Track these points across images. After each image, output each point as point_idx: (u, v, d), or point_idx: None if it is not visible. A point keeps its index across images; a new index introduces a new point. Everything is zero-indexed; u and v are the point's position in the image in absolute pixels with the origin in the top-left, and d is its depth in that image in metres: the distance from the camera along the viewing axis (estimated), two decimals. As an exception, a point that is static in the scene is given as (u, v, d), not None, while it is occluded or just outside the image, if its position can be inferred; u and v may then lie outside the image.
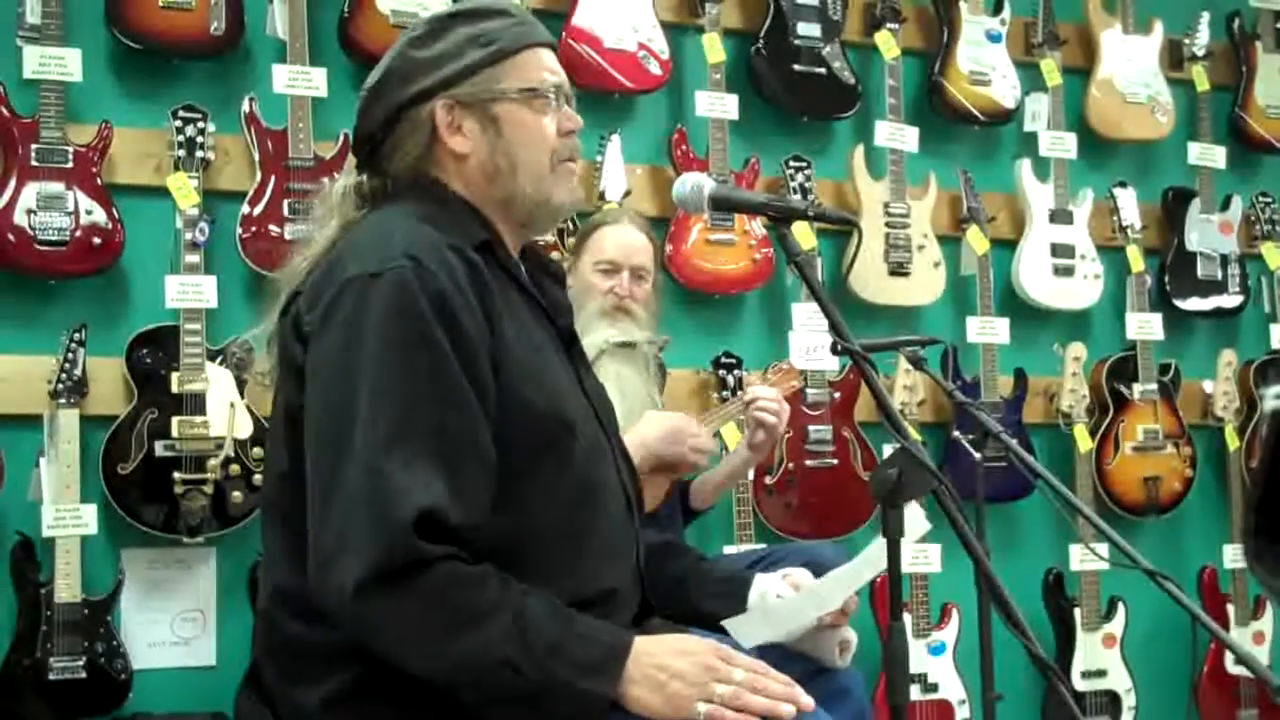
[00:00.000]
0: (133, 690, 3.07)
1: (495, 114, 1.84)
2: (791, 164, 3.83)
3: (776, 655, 2.18)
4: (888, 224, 3.92)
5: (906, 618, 3.59)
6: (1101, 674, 4.02)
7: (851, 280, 3.82)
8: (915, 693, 3.73)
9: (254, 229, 3.25)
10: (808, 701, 1.63)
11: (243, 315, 3.23)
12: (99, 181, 3.15)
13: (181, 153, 3.20)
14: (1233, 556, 4.21)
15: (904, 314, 3.99)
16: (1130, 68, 4.36)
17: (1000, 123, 4.19)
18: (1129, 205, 4.27)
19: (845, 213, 3.58)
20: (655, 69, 3.71)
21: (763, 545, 3.45)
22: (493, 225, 1.86)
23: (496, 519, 1.68)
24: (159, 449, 3.11)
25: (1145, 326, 4.24)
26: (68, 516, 3.02)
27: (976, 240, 4.04)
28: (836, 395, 3.79)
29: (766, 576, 2.27)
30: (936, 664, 3.80)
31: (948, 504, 1.72)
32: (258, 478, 3.11)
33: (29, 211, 3.08)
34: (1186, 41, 4.48)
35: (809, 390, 3.72)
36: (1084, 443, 4.10)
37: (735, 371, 3.64)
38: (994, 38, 4.17)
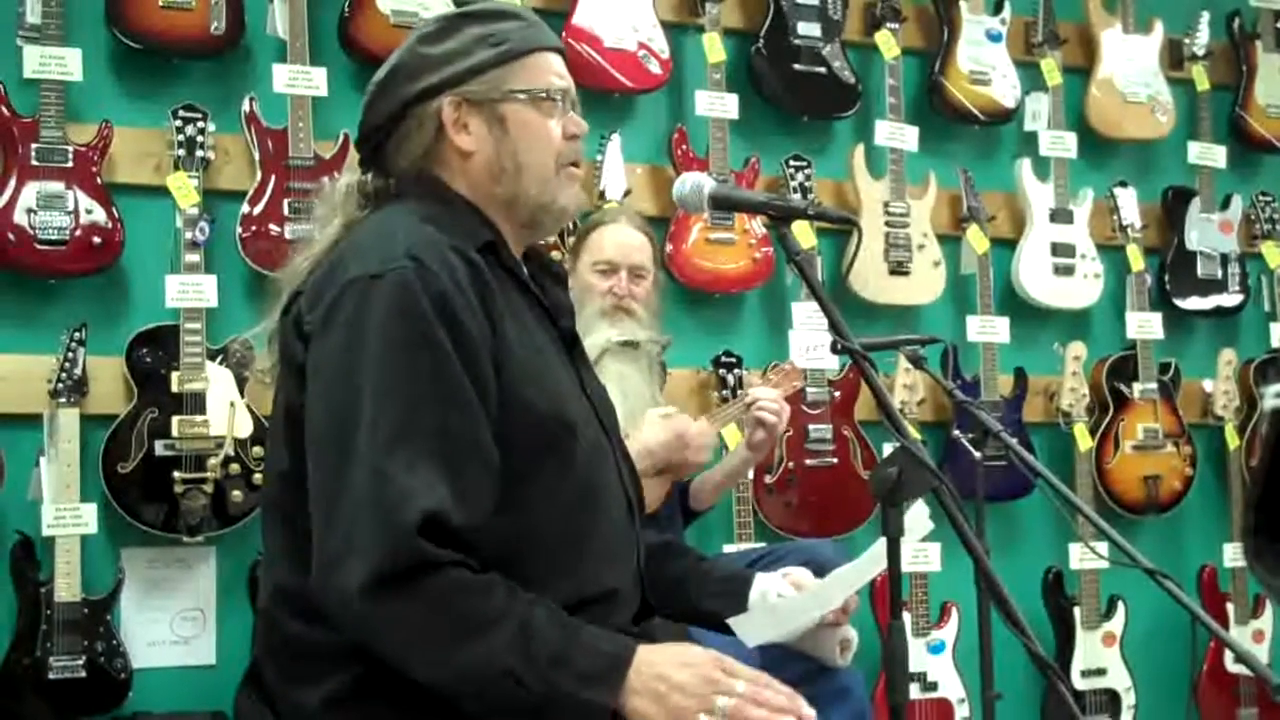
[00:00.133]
0: (132, 689, 3.07)
1: (502, 114, 1.84)
2: (791, 163, 3.83)
3: (777, 654, 2.19)
4: (888, 223, 3.93)
5: (906, 616, 3.59)
6: (1101, 673, 4.02)
7: (851, 279, 3.82)
8: (915, 691, 3.73)
9: (254, 228, 3.25)
10: (809, 713, 1.63)
11: (243, 315, 3.23)
12: (99, 181, 3.16)
13: (182, 152, 3.20)
14: (1232, 555, 4.21)
15: (904, 313, 3.99)
16: (1130, 67, 4.36)
17: (1000, 122, 4.19)
18: (1129, 204, 4.27)
19: (845, 212, 3.59)
20: (655, 68, 3.71)
21: (762, 544, 3.45)
22: (496, 226, 1.86)
23: (497, 520, 1.67)
24: (159, 448, 3.11)
25: (1145, 326, 4.24)
26: (68, 516, 3.02)
27: (976, 239, 4.04)
28: (836, 394, 3.79)
29: (766, 576, 2.27)
30: (936, 663, 3.80)
31: (947, 503, 1.72)
32: (258, 477, 3.11)
33: (29, 211, 3.08)
34: (1186, 41, 4.48)
35: (809, 389, 3.72)
36: (1084, 442, 4.11)
37: (735, 371, 3.64)
38: (994, 37, 4.17)
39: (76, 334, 3.08)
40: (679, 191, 2.00)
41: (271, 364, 1.85)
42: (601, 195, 3.51)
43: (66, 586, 3.00)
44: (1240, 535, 4.06)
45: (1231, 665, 4.14)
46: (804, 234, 3.70)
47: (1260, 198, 4.53)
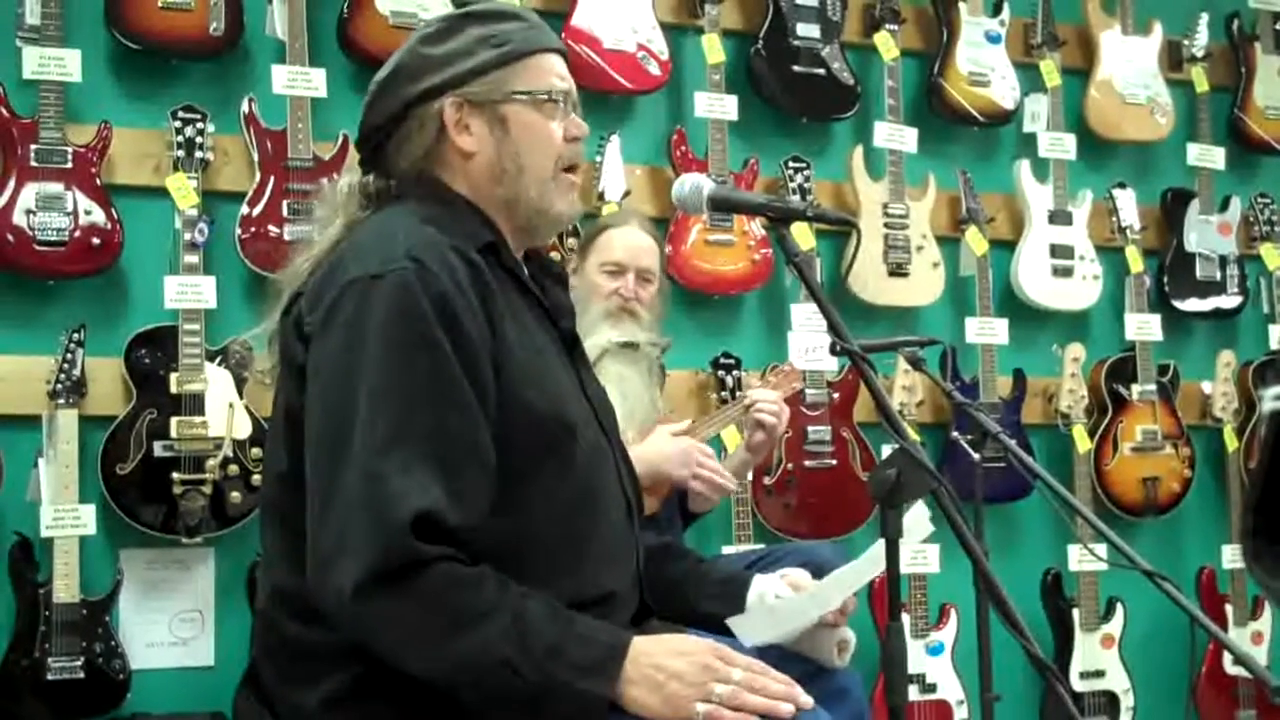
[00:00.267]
0: (131, 690, 3.07)
1: (504, 115, 1.84)
2: (790, 165, 3.84)
3: (775, 655, 2.18)
4: (886, 225, 3.93)
5: (905, 618, 3.59)
6: (1100, 674, 4.02)
7: (850, 281, 3.82)
8: (913, 693, 3.73)
9: (253, 229, 3.25)
10: (806, 700, 1.63)
11: (242, 316, 3.22)
12: (98, 182, 3.15)
13: (181, 153, 3.20)
14: (1231, 557, 4.21)
15: (903, 314, 3.99)
16: (1129, 69, 4.36)
17: (999, 124, 4.19)
18: (1128, 206, 4.27)
19: (844, 213, 3.60)
20: (654, 69, 3.71)
21: (761, 546, 3.45)
22: (496, 226, 1.86)
23: (497, 521, 1.68)
24: (158, 449, 3.11)
25: (1144, 327, 4.24)
26: (66, 517, 3.02)
27: (975, 241, 4.04)
28: (835, 396, 3.79)
29: (765, 577, 2.27)
30: (935, 664, 3.80)
31: (946, 504, 1.72)
32: (256, 478, 3.11)
33: (28, 212, 3.08)
34: (1186, 42, 4.48)
35: (808, 390, 3.72)
36: (1082, 443, 4.11)
37: (734, 372, 3.64)
38: (993, 39, 4.17)
39: (75, 335, 3.08)
40: (678, 193, 2.00)
41: (271, 365, 1.85)
42: (600, 196, 3.51)
43: (65, 587, 3.00)
44: (1239, 537, 4.07)
45: (1230, 667, 4.14)
46: (803, 235, 3.70)
47: (1259, 199, 4.53)
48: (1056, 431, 4.14)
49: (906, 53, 4.08)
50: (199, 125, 3.22)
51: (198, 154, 3.21)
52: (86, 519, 3.04)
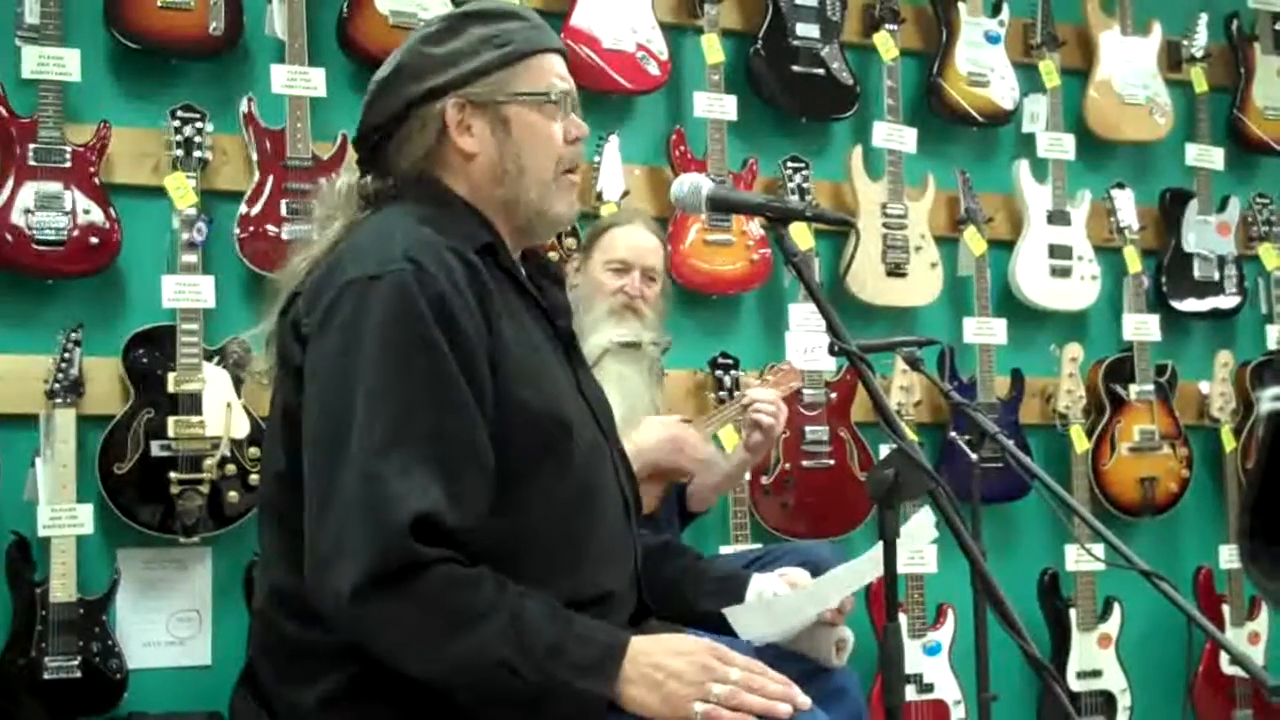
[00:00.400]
0: (128, 690, 3.07)
1: (505, 116, 1.84)
2: (789, 165, 3.84)
3: (772, 655, 2.18)
4: (885, 225, 3.93)
5: (902, 618, 3.58)
6: (1097, 674, 4.02)
7: (849, 281, 3.82)
8: (911, 693, 3.73)
9: (252, 229, 3.25)
10: (805, 700, 1.63)
11: (240, 315, 3.22)
12: (97, 181, 3.15)
13: (179, 152, 3.20)
14: (1228, 557, 4.22)
15: (901, 315, 3.99)
16: (1128, 69, 4.37)
17: (998, 124, 4.20)
18: (1126, 206, 4.27)
19: (842, 214, 3.60)
20: (654, 69, 3.71)
21: (759, 545, 3.45)
22: (494, 227, 1.86)
23: (495, 522, 1.68)
24: (155, 449, 3.10)
25: (1142, 327, 4.24)
26: (64, 516, 3.01)
27: (974, 241, 4.04)
28: (833, 396, 3.79)
29: (764, 576, 2.27)
30: (932, 664, 3.80)
31: (944, 505, 1.73)
32: (254, 478, 3.10)
33: (27, 211, 3.08)
34: (1185, 43, 4.48)
35: (806, 391, 3.72)
36: (1080, 443, 4.11)
37: (732, 372, 3.64)
38: (992, 39, 4.17)
39: (73, 334, 3.08)
40: (677, 193, 2.00)
41: (269, 365, 1.85)
42: (599, 196, 3.51)
43: (62, 587, 3.00)
44: (1236, 538, 4.07)
45: (1227, 667, 4.14)
46: (802, 235, 3.70)
47: (1258, 200, 4.53)
48: (1054, 432, 4.14)
49: (906, 53, 4.08)
50: (198, 125, 3.22)
51: (196, 153, 3.20)
52: (84, 518, 3.04)
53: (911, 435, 3.55)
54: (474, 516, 1.65)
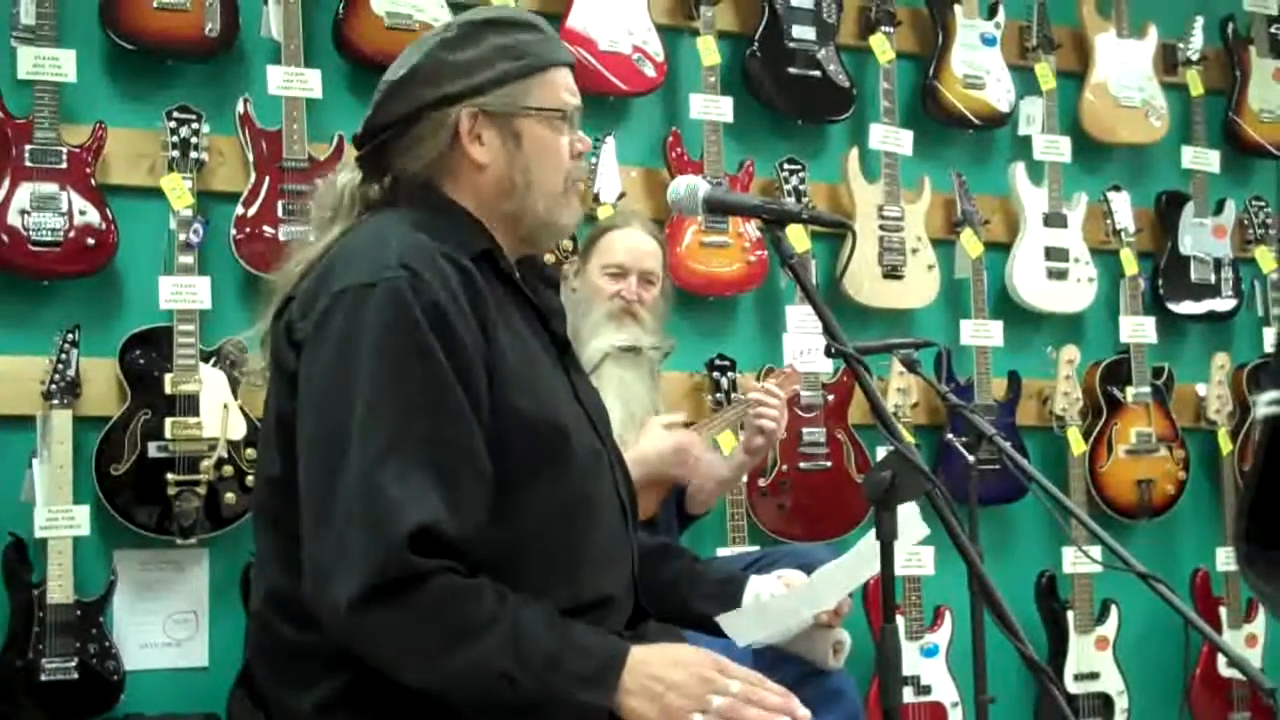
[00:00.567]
0: (125, 691, 3.06)
1: (517, 129, 1.84)
2: (786, 167, 3.84)
3: (771, 657, 2.19)
4: (881, 227, 3.93)
5: (900, 620, 3.59)
6: (1094, 676, 4.02)
7: (845, 283, 3.82)
8: (908, 695, 3.73)
9: (248, 230, 3.25)
10: (804, 713, 1.63)
11: (236, 316, 3.22)
12: (93, 182, 3.15)
13: (176, 154, 3.19)
14: (1225, 559, 4.22)
15: (898, 317, 3.99)
16: (1124, 71, 4.37)
17: (994, 126, 4.20)
18: (1123, 209, 4.28)
19: (839, 216, 3.61)
20: (650, 71, 3.71)
21: (756, 548, 3.45)
22: (493, 236, 1.85)
23: (493, 529, 1.67)
24: (152, 450, 3.10)
25: (1139, 330, 4.24)
26: (60, 517, 3.01)
27: (970, 243, 4.04)
28: (830, 397, 3.79)
29: (761, 578, 2.27)
30: (929, 666, 3.80)
31: (941, 507, 1.73)
32: (251, 479, 3.10)
33: (23, 212, 3.07)
34: (1180, 45, 4.49)
35: (803, 392, 3.72)
36: (1077, 445, 4.11)
37: (729, 374, 3.64)
38: (988, 41, 4.17)
39: (70, 335, 3.07)
40: (673, 195, 2.00)
41: (263, 367, 1.85)
42: (595, 198, 3.51)
43: (59, 588, 2.99)
44: (1232, 541, 4.07)
45: (1224, 669, 4.14)
46: (798, 237, 3.70)
47: (1253, 202, 4.54)
48: (1051, 434, 4.14)
49: (902, 55, 4.08)
50: (194, 126, 3.21)
51: (193, 154, 3.20)
52: (81, 520, 3.03)
53: (908, 437, 3.55)
54: (472, 525, 1.64)
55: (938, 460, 3.86)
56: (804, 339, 3.71)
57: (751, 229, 3.74)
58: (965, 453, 3.35)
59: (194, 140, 3.20)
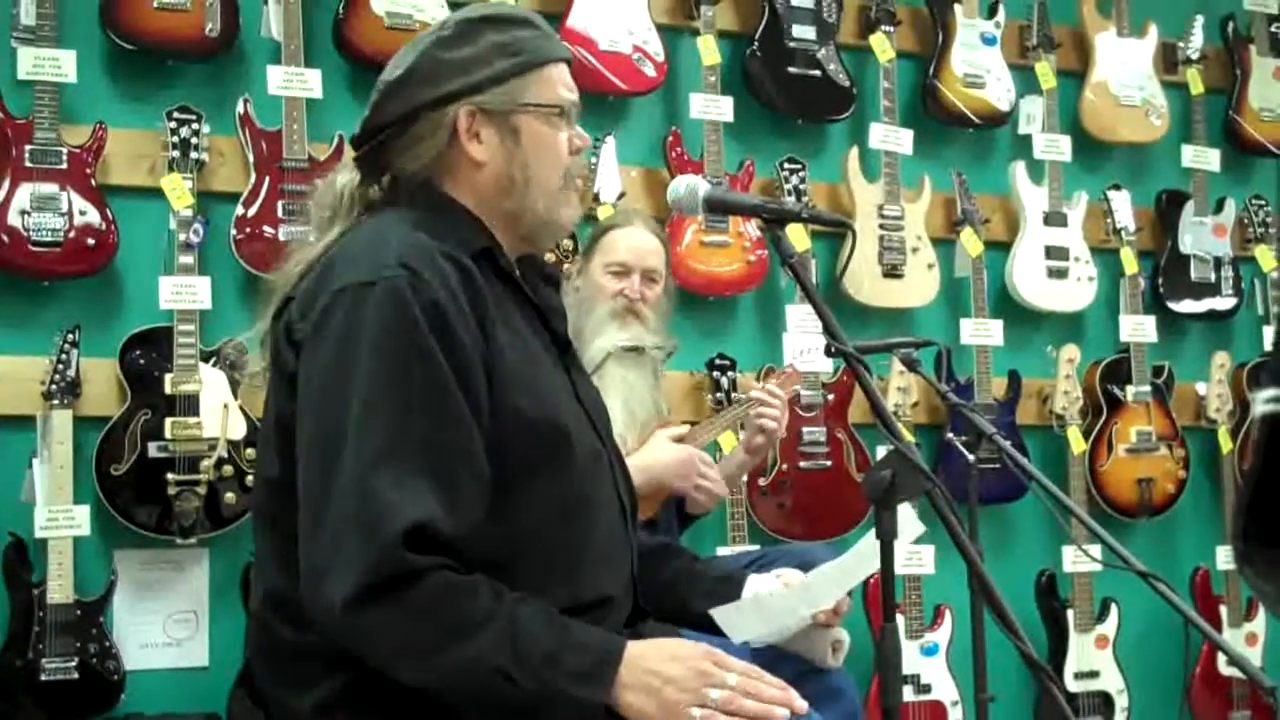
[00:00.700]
0: (125, 691, 3.07)
1: (515, 126, 1.83)
2: (786, 166, 3.84)
3: (769, 655, 2.19)
4: (882, 226, 3.93)
5: (900, 619, 3.59)
6: (1094, 675, 4.03)
7: (845, 282, 3.82)
8: (908, 694, 3.73)
9: (248, 230, 3.25)
10: (801, 705, 1.63)
11: (237, 316, 3.22)
12: (93, 183, 3.15)
13: (176, 154, 3.19)
14: (1225, 558, 4.22)
15: (898, 316, 3.99)
16: (1124, 70, 4.37)
17: (995, 125, 4.20)
18: (1123, 208, 4.28)
19: (839, 215, 3.61)
20: (650, 71, 3.71)
21: (756, 547, 3.45)
22: (493, 233, 1.85)
23: (492, 528, 1.67)
24: (152, 450, 3.10)
25: (1139, 329, 4.25)
26: (60, 517, 3.01)
27: (970, 242, 4.04)
28: (830, 397, 3.79)
29: (760, 577, 2.27)
30: (929, 665, 3.80)
31: (941, 506, 1.73)
32: (251, 479, 3.10)
33: (23, 212, 3.07)
34: (1181, 44, 4.49)
35: (803, 392, 3.72)
36: (1077, 444, 4.11)
37: (729, 373, 3.64)
38: (988, 40, 4.17)
39: (70, 335, 3.07)
40: (674, 194, 2.00)
41: (262, 368, 1.84)
42: (596, 198, 3.51)
43: (59, 588, 3.00)
44: (1230, 539, 4.07)
45: (1224, 668, 4.14)
46: (798, 237, 3.70)
47: (1253, 201, 4.54)
48: (1051, 433, 4.14)
49: (902, 54, 4.08)
50: (194, 126, 3.21)
51: (193, 155, 3.20)
52: (81, 520, 3.04)
53: (908, 436, 3.55)
54: (469, 524, 1.64)
55: (938, 459, 3.86)
56: (804, 338, 3.71)
57: (751, 228, 3.74)
58: (965, 452, 3.35)
59: (194, 140, 3.20)
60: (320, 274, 1.75)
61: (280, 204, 3.27)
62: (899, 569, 2.83)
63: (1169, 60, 4.50)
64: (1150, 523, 4.24)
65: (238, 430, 3.15)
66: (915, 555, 3.72)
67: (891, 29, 4.02)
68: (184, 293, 3.15)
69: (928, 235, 4.02)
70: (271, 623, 1.74)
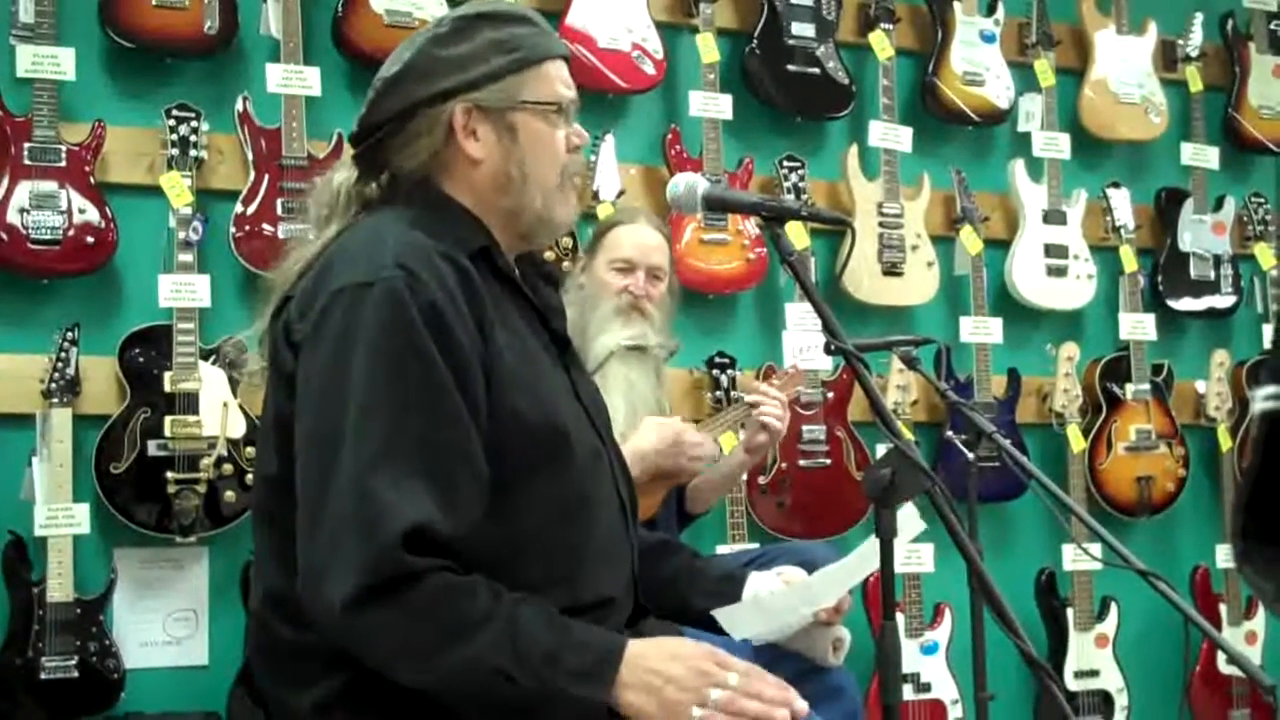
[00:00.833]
0: (125, 690, 3.07)
1: (512, 123, 1.83)
2: (785, 164, 3.84)
3: (770, 654, 2.19)
4: (881, 224, 3.93)
5: (900, 617, 3.59)
6: (1094, 674, 4.03)
7: (845, 280, 3.82)
8: (908, 692, 3.74)
9: (247, 228, 3.25)
10: (802, 705, 1.63)
11: (236, 314, 3.22)
12: (92, 180, 3.15)
13: (175, 152, 3.19)
14: (1225, 556, 4.22)
15: (897, 314, 3.99)
16: (1124, 68, 4.37)
17: (994, 123, 4.20)
18: (1122, 205, 4.27)
19: (838, 213, 3.61)
20: (649, 69, 3.71)
21: (756, 545, 3.45)
22: (491, 232, 1.85)
23: (492, 529, 1.67)
24: (152, 448, 3.10)
25: (1138, 327, 4.25)
26: (60, 516, 3.01)
27: (970, 240, 4.04)
28: (830, 395, 3.79)
29: (761, 575, 2.27)
30: (929, 663, 3.80)
31: (940, 504, 1.72)
32: (250, 477, 3.10)
33: (22, 210, 3.07)
34: (1180, 42, 4.49)
35: (803, 390, 3.72)
36: (1077, 443, 4.11)
37: (729, 371, 3.64)
38: (988, 38, 4.17)
39: (69, 334, 3.07)
40: (673, 192, 2.00)
41: (261, 367, 1.84)
42: (595, 196, 3.51)
43: (59, 586, 3.00)
44: (1229, 537, 4.07)
45: (1224, 666, 4.14)
46: (798, 235, 3.70)
47: (1253, 199, 4.54)
48: (1051, 431, 4.14)
49: (901, 52, 4.08)
50: (193, 124, 3.21)
51: (192, 152, 3.20)
52: (80, 518, 3.04)
53: (908, 434, 3.56)
54: (467, 525, 1.64)
55: (937, 458, 3.86)
56: (803, 336, 3.71)
57: (751, 226, 3.74)
58: (965, 450, 3.35)
59: (193, 138, 3.20)
60: (318, 274, 1.75)
61: (279, 202, 3.27)
62: (899, 567, 2.84)
63: (1168, 58, 4.49)
64: (1150, 521, 4.24)
65: (237, 428, 3.14)
66: (915, 554, 3.73)
67: (891, 26, 4.01)
68: (183, 291, 3.15)
69: (927, 233, 4.02)
70: (271, 621, 1.74)
